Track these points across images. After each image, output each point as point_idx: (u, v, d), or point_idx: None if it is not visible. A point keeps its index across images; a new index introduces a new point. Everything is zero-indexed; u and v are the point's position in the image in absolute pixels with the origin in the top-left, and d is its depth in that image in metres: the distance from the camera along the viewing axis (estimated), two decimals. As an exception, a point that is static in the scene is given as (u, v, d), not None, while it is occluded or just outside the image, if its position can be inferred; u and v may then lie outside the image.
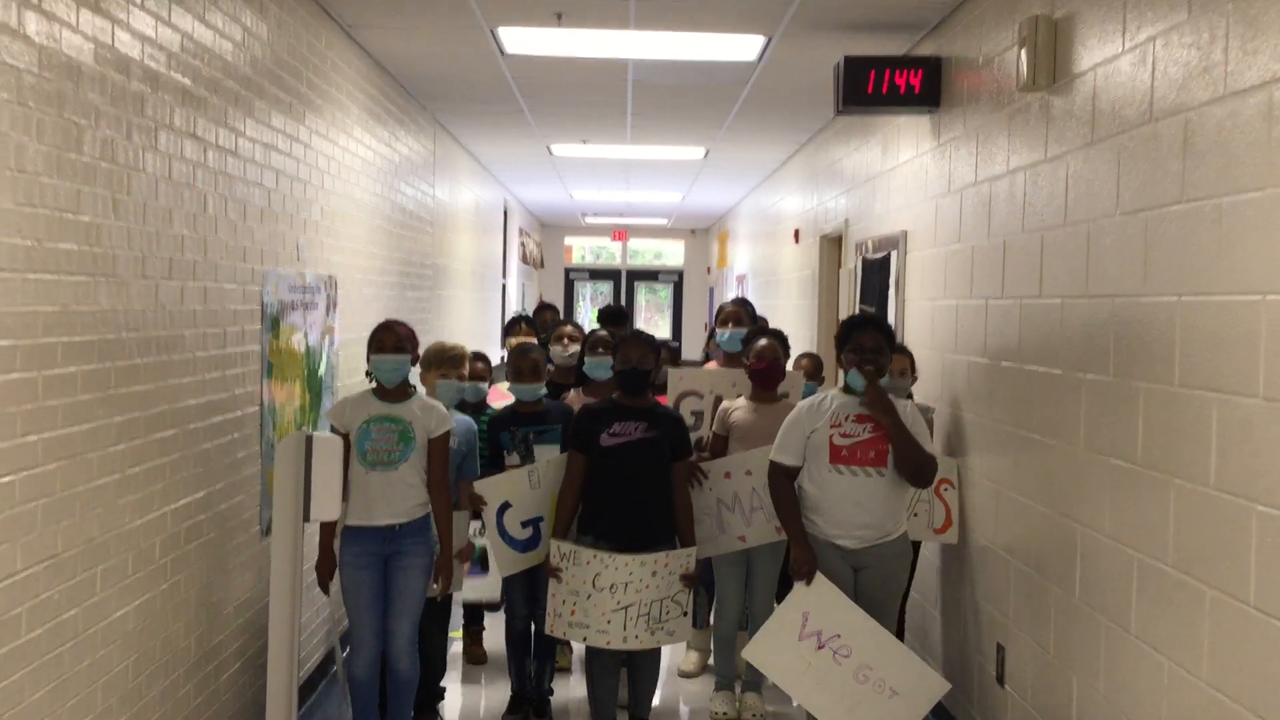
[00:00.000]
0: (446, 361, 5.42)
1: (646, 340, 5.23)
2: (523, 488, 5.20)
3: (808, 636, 4.60)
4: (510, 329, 7.82)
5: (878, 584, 4.74)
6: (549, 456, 5.29)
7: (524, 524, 5.20)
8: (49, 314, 3.16)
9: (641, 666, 5.22)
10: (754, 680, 5.69)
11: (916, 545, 5.44)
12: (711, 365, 6.74)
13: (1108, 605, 3.75)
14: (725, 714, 5.59)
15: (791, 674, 4.66)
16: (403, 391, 4.84)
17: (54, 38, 3.16)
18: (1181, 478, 3.27)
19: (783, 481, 4.81)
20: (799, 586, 4.65)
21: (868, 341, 4.74)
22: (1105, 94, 3.85)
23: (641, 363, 5.09)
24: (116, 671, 3.65)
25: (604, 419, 5.07)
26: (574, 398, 5.96)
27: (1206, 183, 3.17)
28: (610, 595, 4.89)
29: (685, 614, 5.02)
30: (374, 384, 4.87)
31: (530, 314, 8.62)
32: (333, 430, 4.75)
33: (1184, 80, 3.31)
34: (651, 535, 5.04)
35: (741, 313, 6.86)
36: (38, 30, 3.08)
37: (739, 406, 5.61)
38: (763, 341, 5.67)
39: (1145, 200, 3.53)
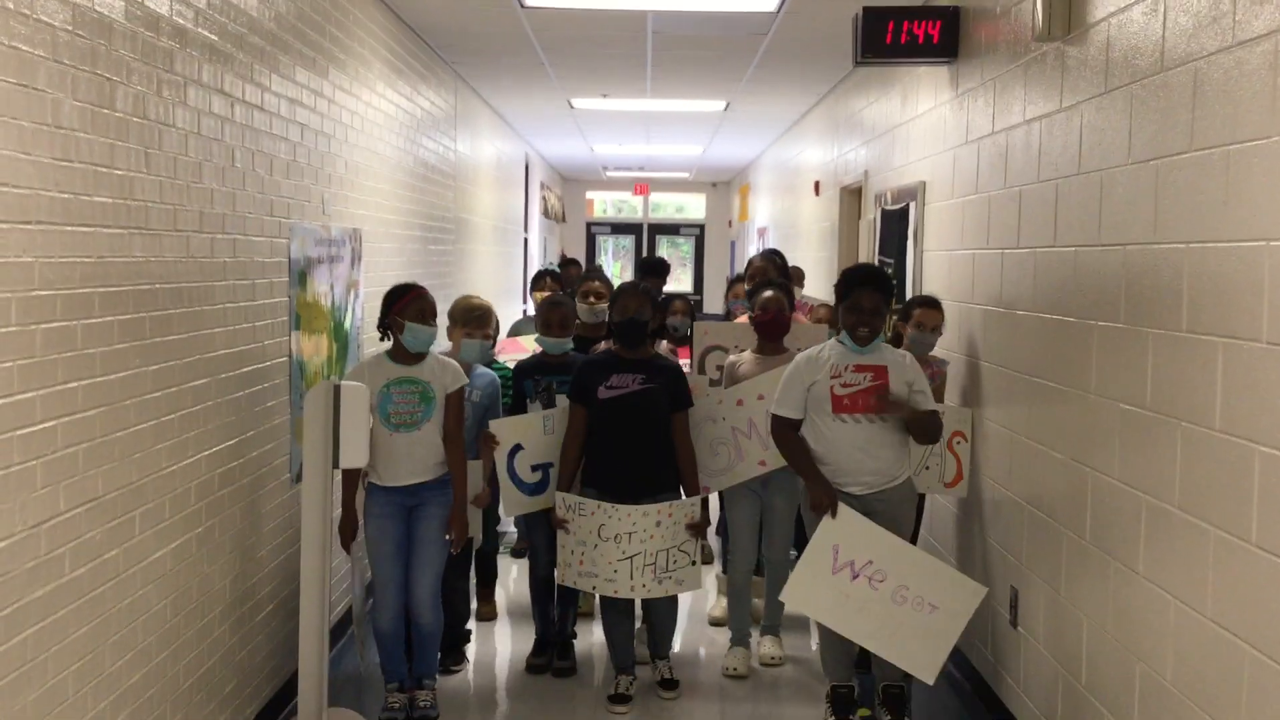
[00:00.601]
0: (473, 320, 5.50)
1: (643, 292, 5.30)
2: (536, 431, 5.31)
3: (841, 569, 4.68)
4: (536, 283, 7.89)
5: (887, 529, 4.79)
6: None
7: (534, 468, 5.30)
8: (86, 264, 3.27)
9: (657, 610, 5.32)
10: (773, 624, 5.78)
11: (922, 494, 5.52)
12: (742, 319, 6.81)
13: (1117, 547, 3.84)
14: (736, 670, 5.60)
15: (831, 609, 4.73)
16: (419, 354, 4.93)
17: (86, -5, 3.25)
18: (1188, 421, 3.35)
19: (786, 432, 4.89)
20: (824, 521, 4.72)
21: (866, 302, 4.77)
22: (1118, 44, 3.89)
23: (639, 313, 5.16)
24: (155, 610, 3.79)
25: (602, 372, 5.14)
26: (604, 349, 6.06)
27: (1214, 131, 3.22)
28: (615, 545, 4.99)
29: (694, 563, 5.10)
30: (390, 344, 4.94)
31: (557, 268, 8.71)
32: None
33: (1194, 30, 3.35)
34: (652, 486, 5.12)
35: (769, 267, 6.88)
36: (71, -12, 3.17)
37: (745, 360, 5.67)
38: (767, 293, 5.68)
39: (1156, 149, 3.58)
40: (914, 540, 5.28)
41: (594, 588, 5.12)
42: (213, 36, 4.16)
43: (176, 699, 3.98)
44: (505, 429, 5.30)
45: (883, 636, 4.69)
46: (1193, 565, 3.31)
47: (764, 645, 5.77)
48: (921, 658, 4.69)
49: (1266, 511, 2.94)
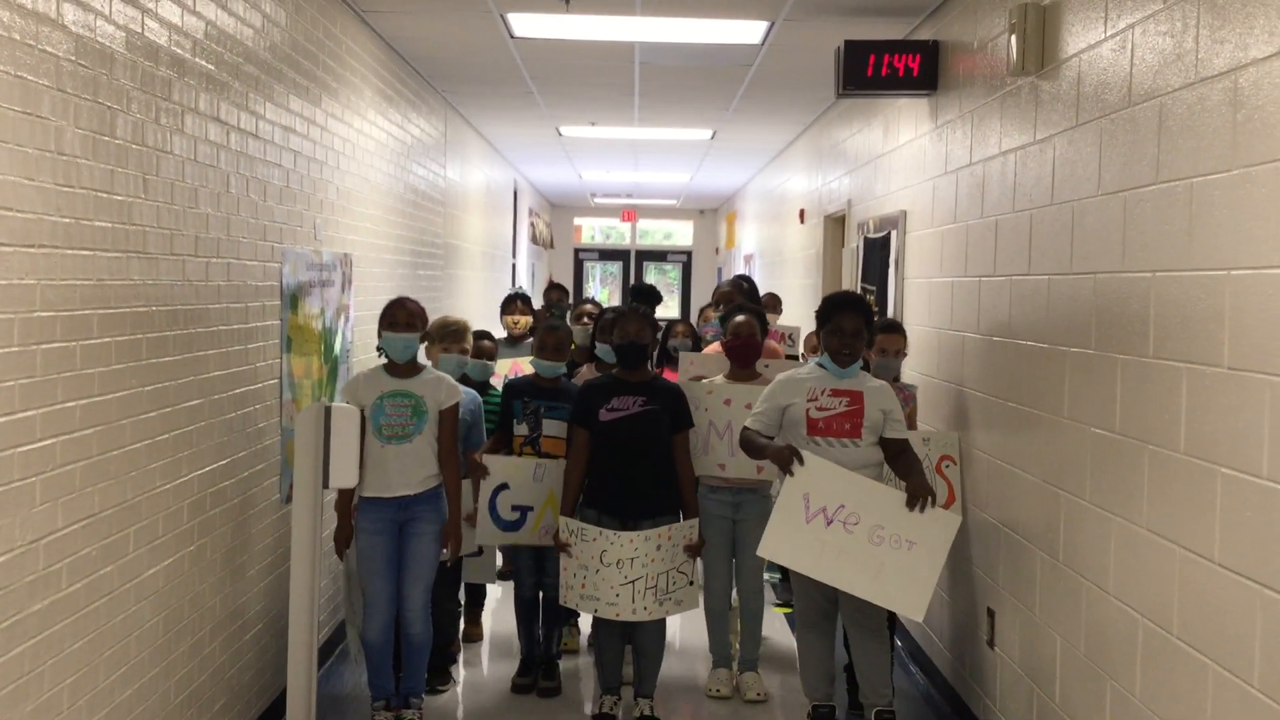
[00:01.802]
0: (448, 336, 5.61)
1: (644, 315, 5.39)
2: (525, 476, 5.43)
3: (814, 517, 4.65)
4: (507, 307, 7.95)
5: None
6: (554, 430, 5.49)
7: (514, 508, 5.42)
8: (86, 287, 3.36)
9: (645, 645, 5.34)
10: (751, 659, 5.75)
11: None
12: (714, 348, 6.91)
13: (1088, 567, 3.95)
14: (719, 692, 5.64)
15: (809, 557, 4.69)
16: (413, 367, 5.04)
17: (89, 27, 3.35)
18: (1155, 444, 3.45)
19: (750, 438, 4.92)
20: (790, 474, 4.67)
21: (848, 325, 4.85)
22: (1089, 79, 4.02)
23: (639, 336, 5.23)
24: (148, 626, 3.86)
25: (603, 394, 5.21)
26: (586, 373, 6.15)
27: (1178, 164, 3.34)
28: (617, 570, 5.07)
29: (691, 583, 5.19)
30: (385, 360, 5.06)
31: (525, 291, 8.77)
32: None
33: (1159, 66, 3.48)
34: (652, 507, 5.18)
35: (736, 292, 7.00)
36: (74, 20, 3.27)
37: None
38: (739, 318, 5.70)
39: (1124, 181, 3.70)
40: None
41: (596, 610, 5.17)
42: (209, 66, 4.27)
43: (167, 715, 4.04)
44: (496, 466, 5.42)
45: (865, 579, 4.64)
46: (1160, 583, 3.42)
47: (745, 681, 5.69)
48: (907, 596, 4.66)
49: (1228, 531, 3.04)
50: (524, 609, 5.75)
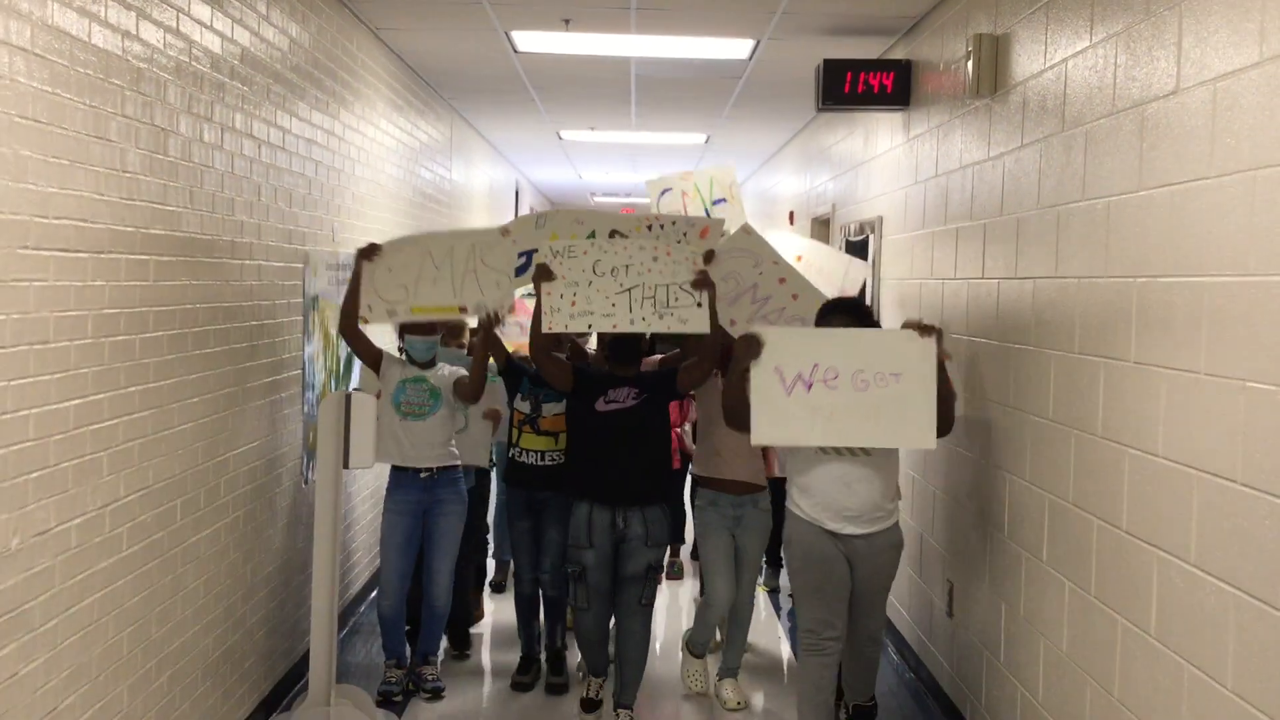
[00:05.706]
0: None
1: None
2: (529, 226, 5.44)
3: (792, 386, 4.53)
4: None
5: (868, 575, 4.73)
6: (552, 411, 5.70)
7: (520, 254, 5.40)
8: (144, 288, 3.84)
9: (628, 653, 5.30)
10: (733, 667, 5.76)
11: None
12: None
13: (1026, 540, 4.43)
14: (695, 682, 5.74)
15: (805, 430, 4.54)
16: (431, 362, 5.57)
17: (147, 59, 3.83)
18: (1079, 429, 3.94)
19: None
20: (757, 359, 4.57)
21: (836, 325, 4.81)
22: (1032, 104, 4.50)
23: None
24: (192, 588, 4.35)
25: (599, 385, 5.30)
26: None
27: (1099, 184, 3.82)
28: (613, 278, 4.98)
29: (699, 305, 5.01)
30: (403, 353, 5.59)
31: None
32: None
33: (1087, 97, 3.96)
34: (640, 497, 5.24)
35: None
36: (136, 53, 3.75)
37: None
38: None
39: (1057, 197, 4.18)
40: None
41: (590, 325, 5.06)
42: (244, 88, 4.75)
43: (206, 668, 4.53)
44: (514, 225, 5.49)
45: (868, 428, 4.51)
46: (1081, 551, 3.90)
47: (724, 689, 5.68)
48: (913, 428, 4.54)
49: (1134, 505, 3.52)
50: (524, 606, 5.84)
